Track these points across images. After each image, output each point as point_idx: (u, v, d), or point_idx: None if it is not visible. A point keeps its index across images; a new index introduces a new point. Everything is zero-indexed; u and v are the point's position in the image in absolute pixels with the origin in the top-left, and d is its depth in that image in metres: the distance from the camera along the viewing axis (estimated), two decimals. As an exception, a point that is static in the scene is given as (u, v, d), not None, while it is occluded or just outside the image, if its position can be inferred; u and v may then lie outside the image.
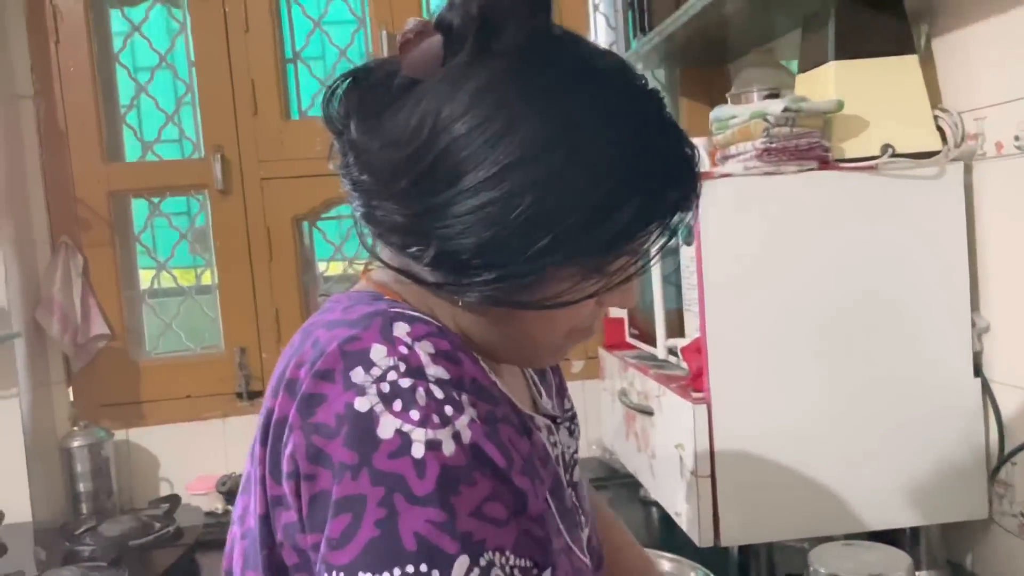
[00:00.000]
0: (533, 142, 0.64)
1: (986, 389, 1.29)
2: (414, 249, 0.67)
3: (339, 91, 0.71)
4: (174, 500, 1.93)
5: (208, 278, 2.21)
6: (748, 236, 1.26)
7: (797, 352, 1.27)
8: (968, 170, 1.29)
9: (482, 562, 0.61)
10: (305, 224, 2.20)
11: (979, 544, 1.35)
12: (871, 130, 1.29)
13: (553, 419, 0.84)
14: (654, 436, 1.46)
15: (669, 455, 1.37)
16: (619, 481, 1.93)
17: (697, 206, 0.73)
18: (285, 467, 0.65)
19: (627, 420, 1.64)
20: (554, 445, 0.81)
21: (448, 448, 0.62)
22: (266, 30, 2.11)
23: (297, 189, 2.12)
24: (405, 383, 0.63)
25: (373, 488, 0.60)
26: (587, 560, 0.82)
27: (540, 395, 0.88)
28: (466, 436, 0.63)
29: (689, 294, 1.33)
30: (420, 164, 0.65)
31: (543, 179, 0.64)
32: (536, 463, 0.73)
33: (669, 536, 1.55)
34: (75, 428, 2.00)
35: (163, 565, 1.67)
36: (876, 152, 1.27)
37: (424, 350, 0.65)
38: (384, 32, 2.11)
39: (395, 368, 0.63)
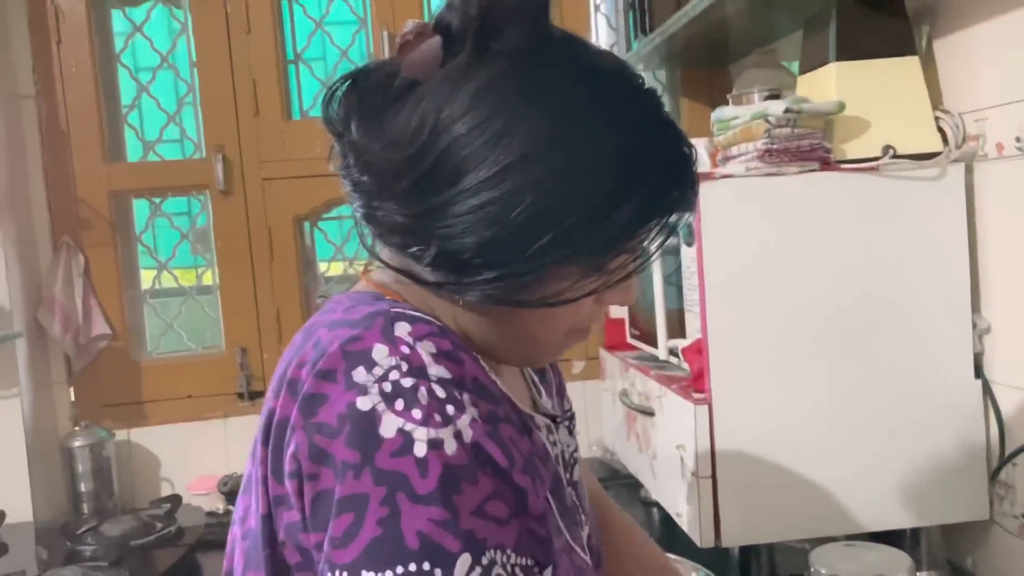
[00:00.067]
0: (533, 142, 0.64)
1: (987, 390, 1.29)
2: (415, 249, 0.68)
3: (339, 93, 0.71)
4: (175, 500, 1.93)
5: (209, 278, 2.21)
6: (749, 237, 1.26)
7: (798, 353, 1.27)
8: (969, 171, 1.29)
9: (484, 560, 0.61)
10: (306, 224, 2.20)
11: (980, 545, 1.35)
12: (872, 131, 1.29)
13: (553, 418, 0.84)
14: (655, 437, 1.46)
15: (670, 456, 1.37)
16: (620, 482, 1.93)
17: (696, 204, 0.73)
18: (287, 467, 0.65)
19: (628, 421, 1.64)
20: (554, 444, 0.81)
21: (450, 447, 0.62)
22: (267, 30, 2.11)
23: (298, 189, 2.12)
24: (407, 382, 0.63)
25: (375, 487, 0.60)
26: (587, 559, 0.82)
27: (540, 395, 0.89)
28: (468, 435, 0.63)
29: (690, 295, 1.33)
30: (421, 164, 0.65)
31: (543, 179, 0.64)
32: (537, 462, 0.73)
33: (670, 537, 1.55)
34: (76, 428, 2.01)
35: (164, 565, 1.67)
36: (877, 153, 1.27)
37: (426, 350, 0.65)
38: (385, 33, 2.11)
39: (397, 368, 0.64)
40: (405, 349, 0.65)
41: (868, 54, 1.31)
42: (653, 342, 1.52)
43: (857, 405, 1.28)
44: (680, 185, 0.70)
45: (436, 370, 0.65)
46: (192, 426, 2.10)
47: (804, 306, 1.27)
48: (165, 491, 2.08)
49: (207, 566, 1.75)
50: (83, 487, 1.97)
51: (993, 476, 1.29)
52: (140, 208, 2.18)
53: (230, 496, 1.96)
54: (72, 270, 2.03)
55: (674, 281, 1.41)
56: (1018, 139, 1.20)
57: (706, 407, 1.26)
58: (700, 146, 1.46)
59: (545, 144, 0.64)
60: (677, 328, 1.41)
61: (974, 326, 1.29)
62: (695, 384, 1.30)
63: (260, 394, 2.13)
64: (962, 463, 1.29)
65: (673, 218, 0.70)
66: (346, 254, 2.25)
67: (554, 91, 0.66)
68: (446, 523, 0.60)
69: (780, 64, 1.65)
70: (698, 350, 1.28)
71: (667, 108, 0.72)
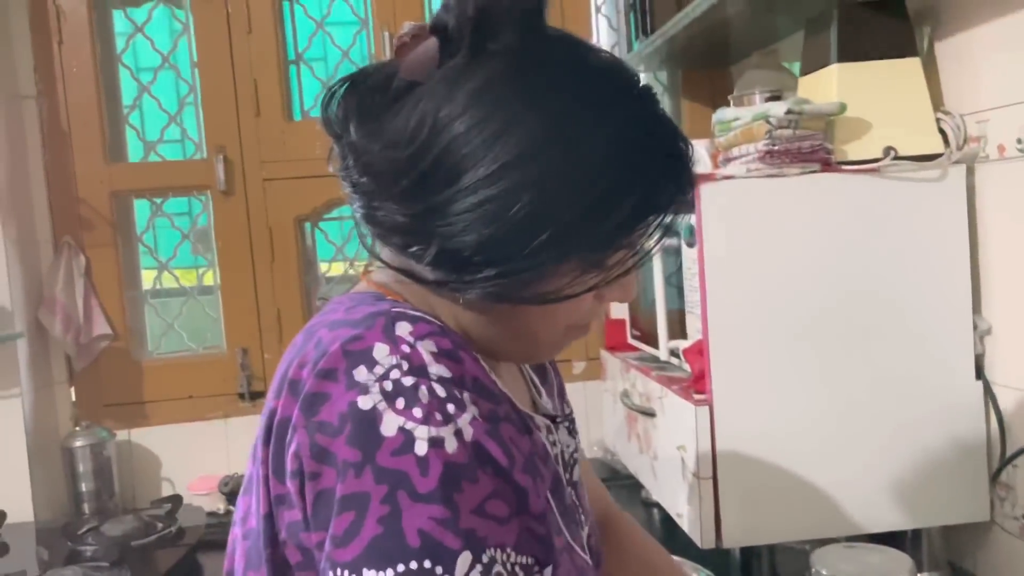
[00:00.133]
0: (530, 140, 0.64)
1: (988, 391, 1.29)
2: (415, 248, 0.68)
3: (337, 95, 0.72)
4: (176, 500, 1.93)
5: (210, 278, 2.22)
6: (750, 238, 1.26)
7: (799, 354, 1.27)
8: (970, 173, 1.29)
9: (484, 559, 0.61)
10: (307, 225, 2.20)
11: (980, 546, 1.35)
12: (873, 132, 1.30)
13: (552, 418, 0.84)
14: (656, 437, 1.46)
15: (671, 456, 1.37)
16: (620, 482, 1.93)
17: (693, 200, 0.74)
18: (289, 466, 0.65)
19: (629, 421, 1.64)
20: (553, 444, 0.81)
21: (451, 446, 0.62)
22: (269, 31, 2.11)
23: (299, 190, 2.13)
24: (408, 381, 0.63)
25: (377, 485, 0.61)
26: (587, 558, 0.82)
27: (540, 395, 0.89)
28: (468, 434, 0.63)
29: (691, 296, 1.33)
30: (420, 164, 0.66)
31: (541, 176, 0.64)
32: (537, 461, 0.73)
33: (671, 538, 1.54)
34: (77, 428, 2.01)
35: (165, 565, 1.67)
36: (878, 154, 1.27)
37: (426, 349, 0.65)
38: (386, 33, 2.11)
39: (398, 367, 0.64)
40: (406, 348, 0.65)
41: (869, 55, 1.31)
42: (654, 343, 1.53)
43: (858, 406, 1.28)
44: (677, 181, 0.70)
45: (437, 369, 0.65)
46: (193, 426, 2.10)
47: (805, 307, 1.27)
48: (166, 491, 2.08)
49: (208, 566, 1.75)
50: (84, 487, 1.97)
51: (994, 477, 1.29)
52: (141, 208, 2.18)
53: (231, 496, 1.96)
54: (73, 270, 2.03)
55: (675, 282, 1.41)
56: (1019, 140, 1.20)
57: (707, 408, 1.26)
58: (701, 147, 1.46)
59: (542, 142, 0.65)
60: (678, 329, 1.41)
61: (975, 327, 1.29)
62: (696, 385, 1.30)
63: (261, 394, 2.13)
64: (963, 464, 1.29)
65: (671, 214, 0.71)
66: (347, 255, 2.25)
67: (551, 90, 0.67)
68: (447, 521, 0.60)
69: (781, 65, 1.65)
70: (699, 351, 1.28)
71: (667, 108, 0.73)
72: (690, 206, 1.26)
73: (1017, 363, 1.26)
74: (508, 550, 0.63)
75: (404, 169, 0.66)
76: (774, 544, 1.44)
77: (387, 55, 0.72)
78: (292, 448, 0.65)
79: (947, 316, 1.29)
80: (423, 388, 0.63)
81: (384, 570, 0.59)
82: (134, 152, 2.20)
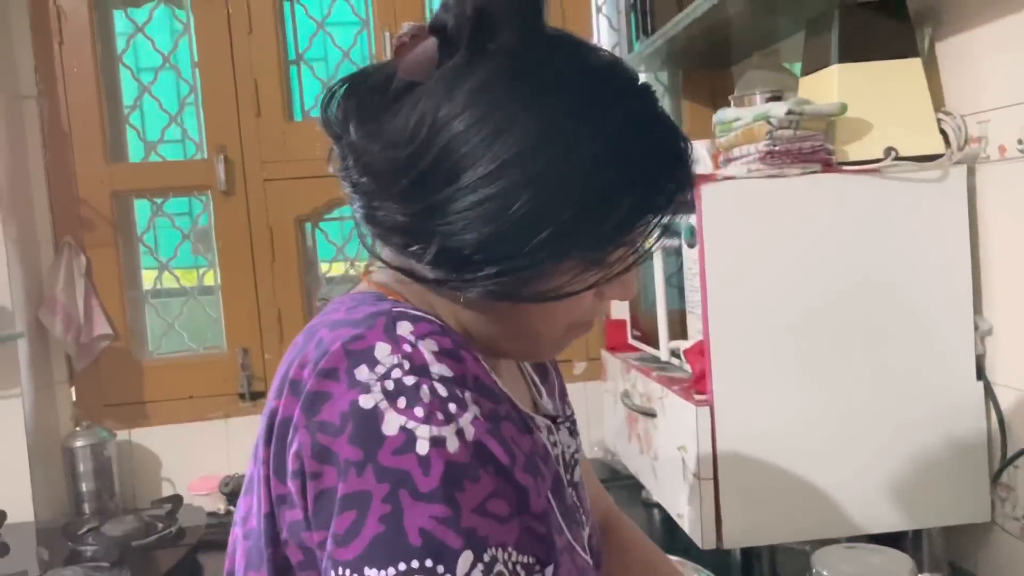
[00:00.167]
0: (529, 139, 0.65)
1: (989, 392, 1.29)
2: (416, 248, 0.68)
3: (337, 96, 0.72)
4: (176, 500, 1.93)
5: (211, 279, 2.22)
6: (751, 239, 1.26)
7: (799, 354, 1.27)
8: (971, 173, 1.29)
9: (486, 558, 0.61)
10: (308, 225, 2.20)
11: (981, 547, 1.35)
12: (874, 133, 1.30)
13: (553, 419, 0.84)
14: (656, 438, 1.46)
15: (671, 457, 1.37)
16: (621, 483, 1.93)
17: (692, 197, 0.74)
18: (290, 465, 0.65)
19: (629, 422, 1.64)
20: (554, 445, 0.81)
21: (452, 445, 0.62)
22: (269, 31, 2.11)
23: (300, 190, 2.13)
24: (409, 380, 0.63)
25: (378, 484, 0.61)
26: (588, 558, 0.82)
27: (540, 396, 0.89)
28: (470, 433, 0.63)
29: (692, 296, 1.33)
30: (420, 163, 0.66)
31: (540, 174, 0.65)
32: (538, 460, 0.73)
33: (671, 538, 1.55)
34: (78, 428, 2.01)
35: (165, 565, 1.67)
36: (879, 155, 1.27)
37: (427, 348, 0.66)
38: (387, 34, 2.11)
39: (399, 366, 0.64)
40: (407, 348, 0.65)
41: (870, 56, 1.31)
42: (655, 343, 1.53)
43: (859, 407, 1.28)
44: (676, 178, 0.70)
45: (438, 368, 0.65)
46: (193, 426, 2.10)
47: (805, 307, 1.27)
48: (166, 491, 2.08)
49: (208, 567, 1.75)
50: (84, 487, 1.97)
51: (995, 478, 1.29)
52: (142, 208, 2.18)
53: (231, 497, 1.96)
54: (74, 270, 2.03)
55: (676, 282, 1.41)
56: (1020, 141, 1.20)
57: (708, 408, 1.26)
58: (702, 148, 1.46)
59: (542, 140, 0.65)
60: (679, 329, 1.41)
61: (976, 328, 1.29)
62: (696, 385, 1.30)
63: (261, 395, 2.13)
64: (963, 465, 1.29)
65: (670, 211, 0.71)
66: (347, 255, 2.25)
67: (550, 88, 0.67)
68: (448, 520, 0.60)
69: (782, 66, 1.65)
70: (700, 351, 1.28)
71: (667, 108, 0.73)
72: (691, 206, 1.26)
73: (1018, 363, 1.26)
74: (509, 549, 0.63)
75: (404, 168, 0.66)
76: (775, 545, 1.44)
77: (388, 55, 0.72)
78: (293, 448, 0.65)
79: (948, 316, 1.29)
80: (424, 387, 0.63)
81: (386, 569, 0.59)
82: (135, 152, 2.20)
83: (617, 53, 1.75)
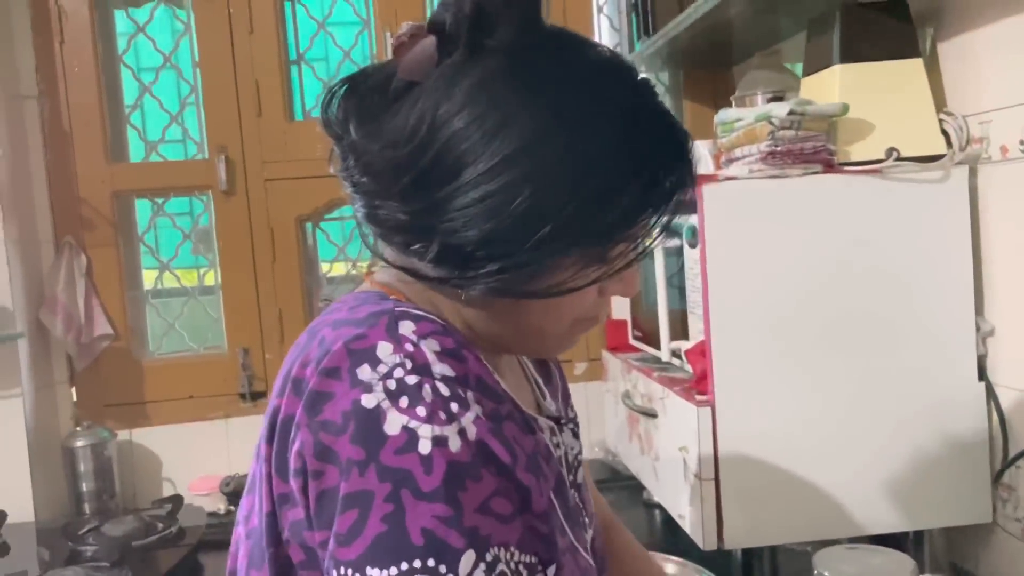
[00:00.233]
0: (529, 134, 0.65)
1: (990, 393, 1.29)
2: (418, 246, 0.68)
3: (337, 96, 0.72)
4: (177, 500, 1.93)
5: (211, 279, 2.22)
6: (752, 239, 1.26)
7: (801, 355, 1.27)
8: (973, 174, 1.29)
9: (488, 557, 0.61)
10: (308, 225, 2.20)
11: (983, 548, 1.35)
12: (876, 133, 1.29)
13: (556, 420, 0.84)
14: (657, 439, 1.46)
15: (673, 458, 1.36)
16: (622, 483, 1.93)
17: (694, 199, 0.74)
18: (292, 464, 0.65)
19: (630, 422, 1.64)
20: (557, 446, 0.81)
21: (454, 444, 0.62)
22: (270, 31, 2.11)
23: (300, 190, 2.13)
24: (411, 380, 0.63)
25: (380, 484, 0.61)
26: (591, 560, 0.82)
27: (544, 397, 0.89)
28: (472, 432, 0.63)
29: (693, 296, 1.33)
30: (421, 161, 0.66)
31: (540, 170, 0.65)
32: (540, 460, 0.73)
33: (672, 539, 1.55)
34: (78, 428, 2.01)
35: (166, 565, 1.67)
36: (881, 155, 1.27)
37: (430, 348, 0.66)
38: (388, 34, 2.11)
39: (401, 365, 0.64)
40: (409, 347, 0.65)
41: (872, 56, 1.31)
42: (656, 344, 1.52)
43: (860, 407, 1.28)
44: (676, 172, 0.70)
45: (440, 368, 0.65)
46: (194, 426, 2.10)
47: (807, 308, 1.27)
48: (167, 491, 2.08)
49: (209, 566, 1.75)
50: (85, 487, 1.97)
51: (996, 479, 1.29)
52: (142, 208, 2.18)
53: (232, 496, 1.96)
54: (74, 270, 2.03)
55: (677, 283, 1.41)
56: (1022, 142, 1.20)
57: (709, 409, 1.26)
58: (703, 148, 1.46)
59: (541, 136, 0.65)
60: (680, 330, 1.41)
61: (977, 328, 1.29)
62: (698, 386, 1.30)
63: (262, 394, 2.13)
64: (965, 466, 1.29)
65: (672, 205, 0.71)
66: (348, 255, 2.25)
67: (549, 84, 0.67)
68: (450, 520, 0.60)
69: (783, 66, 1.65)
70: (701, 352, 1.28)
71: (666, 105, 0.73)
72: (692, 207, 1.26)
73: (1020, 364, 1.26)
74: (511, 548, 0.63)
75: (404, 167, 0.66)
76: (776, 545, 1.44)
77: (389, 55, 0.72)
78: (295, 446, 0.65)
79: (950, 317, 1.28)
80: (427, 387, 0.63)
81: (388, 568, 0.59)
82: (135, 152, 2.20)
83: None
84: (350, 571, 0.60)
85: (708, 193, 1.24)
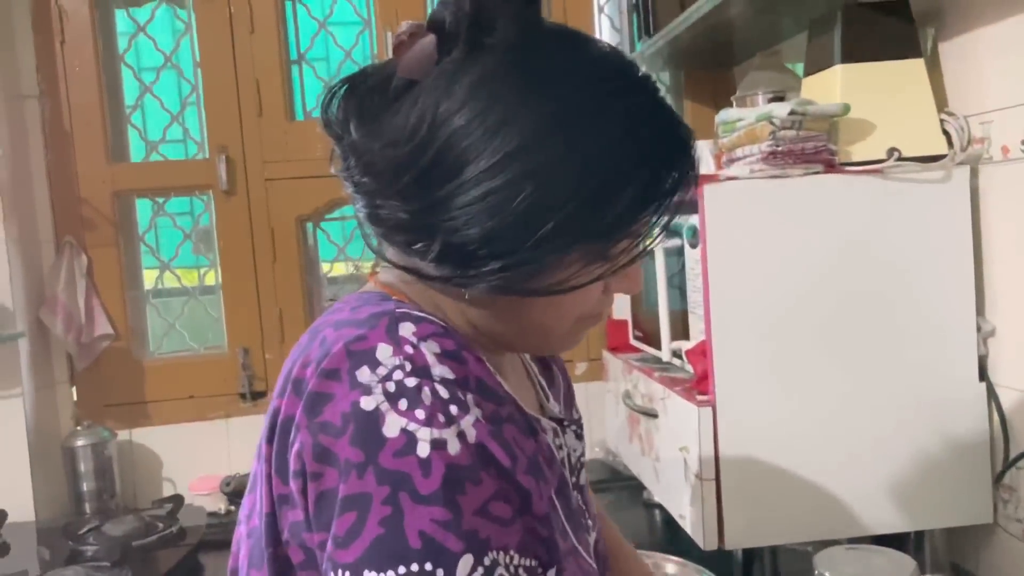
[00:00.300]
0: (530, 131, 0.65)
1: (991, 393, 1.29)
2: (419, 245, 0.68)
3: (337, 96, 0.72)
4: (177, 500, 1.93)
5: (212, 278, 2.21)
6: (753, 239, 1.26)
7: (802, 355, 1.27)
8: (974, 174, 1.29)
9: (486, 561, 0.61)
10: (309, 225, 2.20)
11: (983, 548, 1.34)
12: (877, 133, 1.29)
13: (559, 422, 0.84)
14: (658, 439, 1.46)
15: (673, 458, 1.36)
16: (622, 484, 1.93)
17: (695, 198, 0.74)
18: (292, 465, 0.65)
19: (631, 423, 1.64)
20: (560, 448, 0.81)
21: (453, 447, 0.62)
22: (271, 31, 2.11)
23: (301, 190, 2.12)
24: (411, 382, 0.63)
25: (379, 486, 0.61)
26: (593, 563, 0.82)
27: (547, 399, 0.89)
28: (471, 435, 0.63)
29: (693, 297, 1.32)
30: (422, 159, 0.66)
31: (542, 167, 0.65)
32: (541, 462, 0.73)
33: (673, 539, 1.54)
34: (78, 428, 2.00)
35: (166, 565, 1.67)
36: (882, 155, 1.27)
37: (430, 350, 0.65)
38: (389, 33, 2.11)
39: (401, 367, 0.64)
40: (409, 349, 0.65)
41: (873, 56, 1.31)
42: (656, 344, 1.52)
43: (860, 408, 1.28)
44: (678, 168, 0.70)
45: (440, 370, 0.65)
46: (194, 426, 2.09)
47: (808, 308, 1.27)
48: (167, 491, 2.07)
49: (209, 566, 1.75)
50: (85, 487, 1.97)
51: (997, 480, 1.29)
52: (143, 208, 2.18)
53: (232, 496, 1.96)
54: (75, 270, 2.03)
55: (677, 283, 1.40)
56: (1023, 142, 1.20)
57: (709, 409, 1.26)
58: (705, 148, 1.45)
59: (543, 132, 0.65)
60: (680, 330, 1.41)
61: (978, 329, 1.29)
62: (698, 386, 1.30)
63: (262, 394, 2.13)
64: (966, 466, 1.29)
65: (673, 201, 0.70)
66: (349, 255, 2.25)
67: (549, 80, 0.67)
68: (448, 523, 0.60)
69: (785, 66, 1.65)
70: (702, 352, 1.28)
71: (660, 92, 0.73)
72: (693, 207, 1.25)
73: (1021, 365, 1.25)
74: (511, 552, 0.63)
75: (405, 166, 0.66)
76: (777, 546, 1.44)
77: (389, 55, 0.72)
78: (295, 448, 0.65)
79: (951, 317, 1.28)
80: (426, 389, 0.63)
81: (385, 572, 0.59)
82: (136, 152, 2.20)
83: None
84: (348, 574, 0.60)
85: (709, 193, 1.24)
